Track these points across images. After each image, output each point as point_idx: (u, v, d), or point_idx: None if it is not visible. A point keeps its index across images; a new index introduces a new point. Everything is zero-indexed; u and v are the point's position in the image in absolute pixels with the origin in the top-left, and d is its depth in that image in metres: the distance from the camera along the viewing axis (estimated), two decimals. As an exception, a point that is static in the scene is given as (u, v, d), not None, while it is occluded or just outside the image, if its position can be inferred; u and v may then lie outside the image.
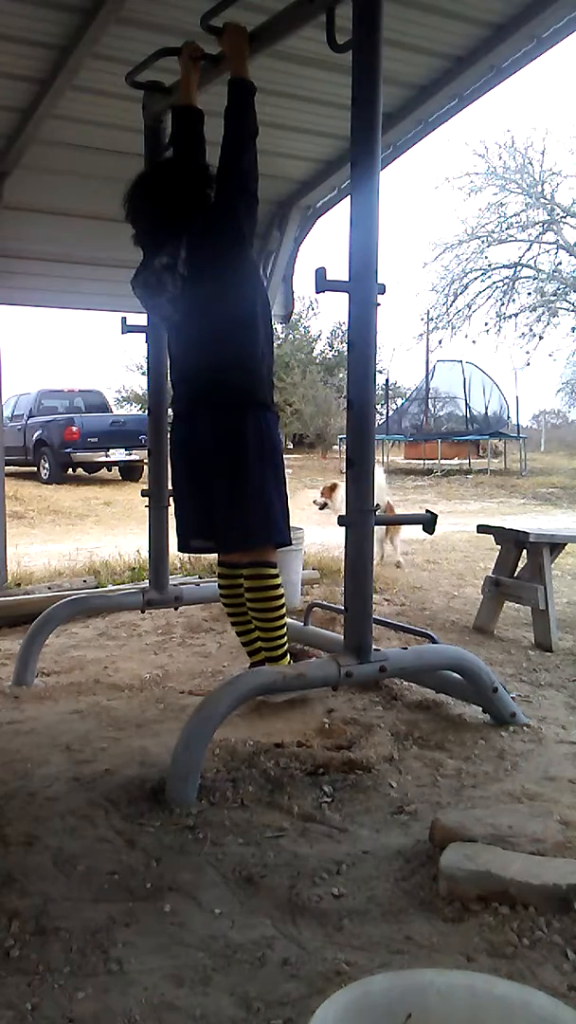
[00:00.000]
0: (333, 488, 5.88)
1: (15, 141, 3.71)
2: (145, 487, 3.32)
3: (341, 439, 15.70)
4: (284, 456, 2.70)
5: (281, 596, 2.55)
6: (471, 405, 16.66)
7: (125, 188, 2.47)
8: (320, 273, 2.14)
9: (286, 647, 2.60)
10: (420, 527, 2.33)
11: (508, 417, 16.95)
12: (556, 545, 3.76)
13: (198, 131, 2.67)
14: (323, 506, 5.98)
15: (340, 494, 5.55)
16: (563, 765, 2.28)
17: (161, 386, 3.27)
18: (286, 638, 2.59)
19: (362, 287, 2.16)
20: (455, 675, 2.58)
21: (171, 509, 2.99)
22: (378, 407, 2.52)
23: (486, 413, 16.64)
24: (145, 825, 1.91)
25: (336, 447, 17.88)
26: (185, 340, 2.52)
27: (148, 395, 3.44)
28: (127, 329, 3.21)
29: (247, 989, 1.37)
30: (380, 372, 19.13)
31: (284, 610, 2.57)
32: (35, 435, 13.27)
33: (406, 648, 2.54)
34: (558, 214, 17.31)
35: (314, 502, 5.97)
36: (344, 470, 2.28)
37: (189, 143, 2.64)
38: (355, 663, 2.23)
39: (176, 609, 3.61)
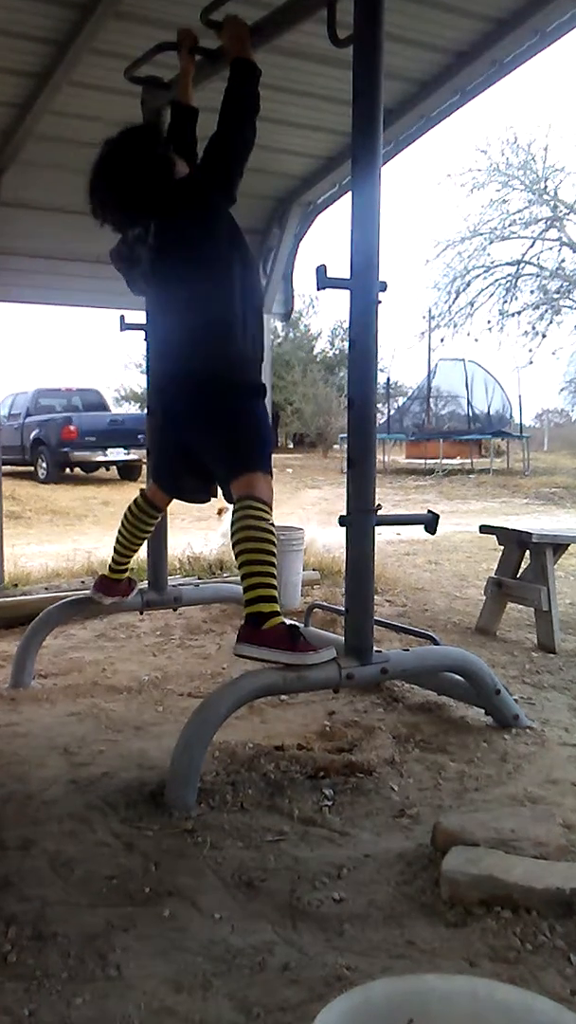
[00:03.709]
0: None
1: (12, 137, 3.70)
2: (144, 487, 3.30)
3: (342, 438, 15.73)
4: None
5: (271, 537, 2.26)
6: (473, 404, 16.66)
7: (87, 182, 2.41)
8: (321, 270, 2.12)
9: (276, 597, 2.29)
10: (422, 527, 2.32)
11: (511, 416, 16.96)
12: (559, 546, 3.74)
13: (188, 129, 2.67)
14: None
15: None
16: (566, 768, 2.26)
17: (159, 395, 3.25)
18: (276, 590, 2.33)
19: (363, 284, 2.14)
20: (457, 677, 2.57)
21: (169, 508, 2.97)
22: (379, 406, 2.49)
23: (488, 412, 16.64)
24: (144, 829, 1.90)
25: (337, 446, 17.88)
26: (158, 314, 2.52)
27: (147, 394, 3.42)
28: (125, 327, 3.20)
29: (247, 994, 1.35)
30: (381, 371, 19.04)
31: (274, 556, 2.26)
32: (32, 434, 13.26)
33: (408, 650, 2.52)
34: (561, 211, 17.30)
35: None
36: (345, 469, 2.26)
37: (178, 139, 2.64)
38: (356, 665, 2.21)
39: (175, 610, 3.60)
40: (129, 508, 2.87)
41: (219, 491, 2.56)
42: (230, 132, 2.34)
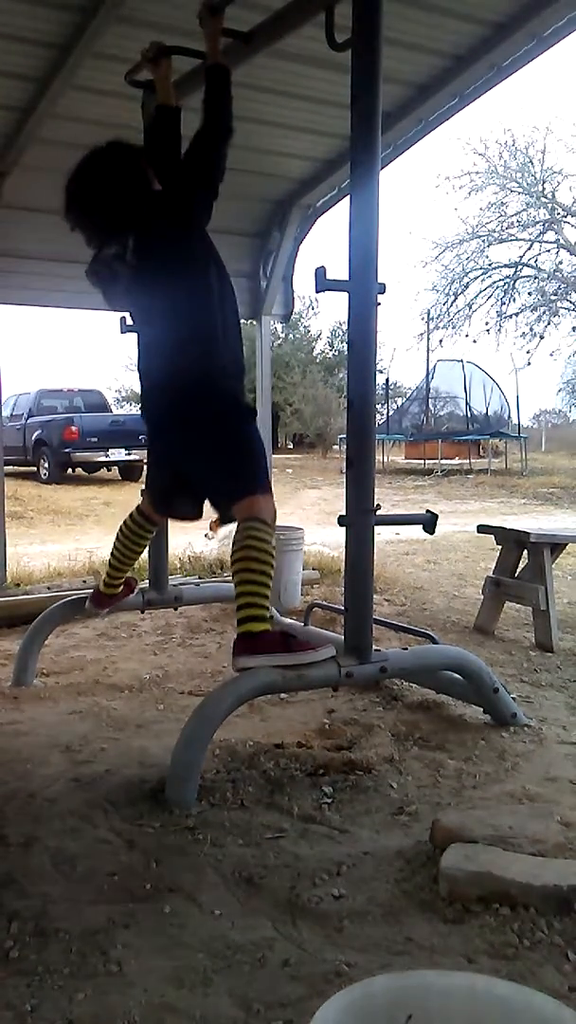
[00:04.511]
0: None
1: (14, 141, 3.71)
2: (144, 488, 3.31)
3: (341, 439, 15.73)
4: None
5: (270, 560, 2.26)
6: (472, 405, 16.66)
7: (64, 189, 2.40)
8: (320, 272, 2.13)
9: (266, 616, 2.33)
10: (421, 527, 2.33)
11: (509, 417, 16.95)
12: (557, 545, 3.76)
13: (169, 129, 2.67)
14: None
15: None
16: (564, 766, 2.27)
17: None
18: (267, 610, 2.36)
19: (362, 286, 2.16)
20: (456, 676, 2.58)
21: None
22: (378, 407, 2.50)
23: (487, 413, 16.64)
24: (145, 826, 1.91)
25: (336, 447, 17.88)
26: (142, 330, 2.52)
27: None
28: (126, 329, 3.20)
29: (247, 990, 1.36)
30: (380, 372, 19.11)
31: (269, 577, 2.27)
32: (34, 435, 13.26)
33: (407, 648, 2.54)
34: (559, 213, 17.32)
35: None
36: (344, 470, 2.27)
37: (158, 141, 2.65)
38: (355, 663, 2.22)
39: (176, 609, 3.61)
40: (125, 522, 2.87)
41: (208, 507, 2.55)
42: (213, 129, 2.35)
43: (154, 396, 2.50)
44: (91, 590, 3.08)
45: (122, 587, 3.01)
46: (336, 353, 23.47)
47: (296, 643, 2.18)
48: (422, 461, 16.23)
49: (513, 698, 2.65)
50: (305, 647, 2.18)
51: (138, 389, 2.91)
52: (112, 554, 2.91)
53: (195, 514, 2.69)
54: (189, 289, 2.34)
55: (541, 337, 17.88)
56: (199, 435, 2.37)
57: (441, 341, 19.14)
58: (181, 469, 2.53)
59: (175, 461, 2.54)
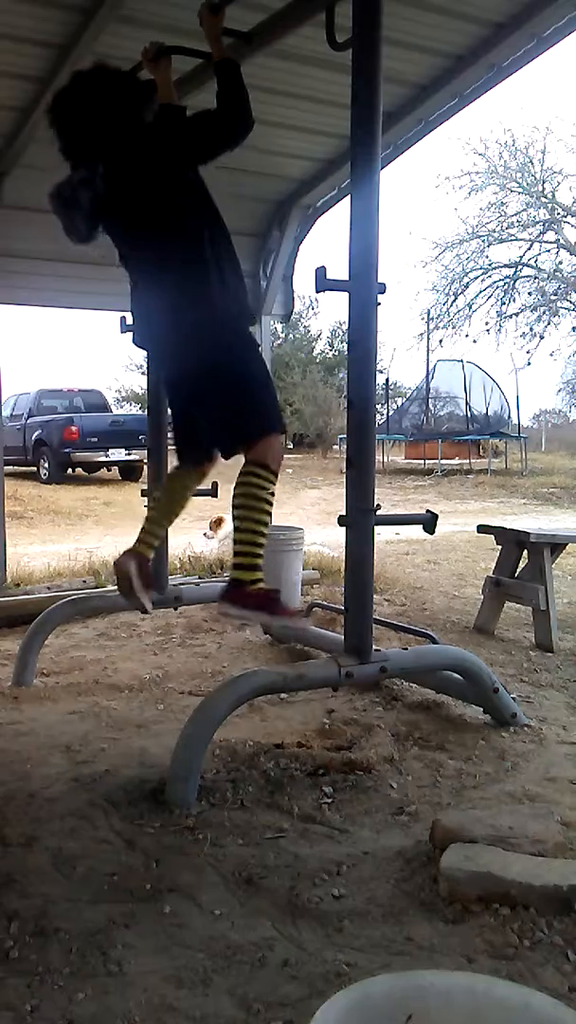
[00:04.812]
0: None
1: (15, 140, 3.71)
2: (145, 487, 3.31)
3: (341, 439, 15.72)
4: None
5: (268, 508, 2.30)
6: (472, 405, 16.64)
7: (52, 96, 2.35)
8: (320, 272, 2.13)
9: (260, 565, 2.34)
10: (421, 527, 2.33)
11: (509, 417, 16.94)
12: (557, 545, 3.76)
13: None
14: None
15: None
16: (564, 766, 2.27)
17: (160, 385, 3.27)
18: (261, 559, 2.36)
19: (362, 286, 2.16)
20: (456, 675, 2.58)
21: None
22: (378, 407, 2.49)
23: (487, 413, 16.62)
24: (145, 826, 1.91)
25: (336, 447, 17.87)
26: (128, 267, 2.46)
27: (147, 394, 3.44)
28: (126, 328, 3.21)
29: (247, 990, 1.36)
30: (380, 372, 19.09)
31: (266, 526, 2.31)
32: (34, 435, 13.26)
33: (407, 648, 2.54)
34: (559, 213, 17.31)
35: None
36: (344, 470, 2.27)
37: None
38: (355, 663, 2.22)
39: (176, 609, 3.61)
40: (168, 480, 2.80)
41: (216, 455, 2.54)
42: (224, 115, 2.26)
43: (150, 340, 2.48)
44: (92, 589, 3.07)
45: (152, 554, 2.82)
46: (336, 353, 23.45)
47: (279, 607, 2.25)
48: (422, 461, 16.23)
49: (513, 698, 2.65)
50: (285, 612, 2.26)
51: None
52: (152, 507, 2.82)
53: (204, 461, 2.66)
54: (173, 232, 2.27)
55: (541, 337, 17.89)
56: (200, 384, 2.33)
57: (441, 341, 19.16)
58: (190, 413, 2.49)
59: (183, 406, 2.51)
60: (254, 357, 2.37)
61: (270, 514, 2.30)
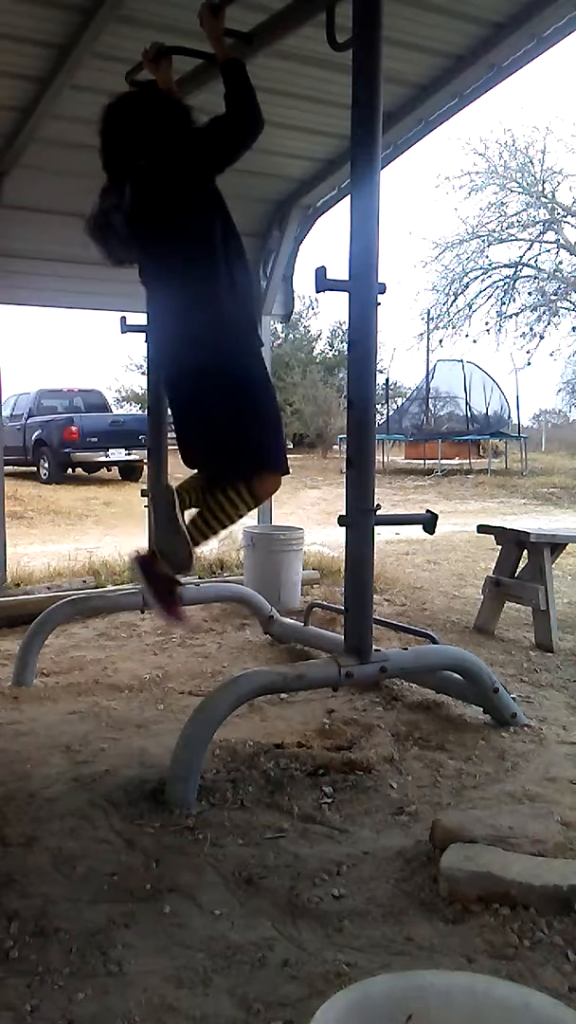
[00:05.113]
0: None
1: (14, 141, 3.71)
2: (145, 487, 3.31)
3: (341, 439, 15.71)
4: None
5: (232, 523, 2.45)
6: (472, 405, 16.64)
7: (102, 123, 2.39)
8: (320, 272, 2.13)
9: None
10: (421, 527, 2.33)
11: (509, 417, 16.94)
12: (557, 545, 3.76)
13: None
14: None
15: None
16: (564, 766, 2.27)
17: (160, 385, 3.27)
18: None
19: (362, 286, 2.16)
20: (456, 675, 2.58)
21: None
22: (378, 407, 2.49)
23: (487, 413, 16.62)
24: (145, 826, 1.91)
25: (336, 447, 17.87)
26: (149, 289, 2.51)
27: (147, 394, 3.44)
28: (126, 328, 3.21)
29: (247, 990, 1.36)
30: (380, 372, 19.07)
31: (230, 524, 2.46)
32: (34, 435, 13.25)
33: (407, 648, 2.54)
34: (559, 213, 17.31)
35: None
36: (344, 470, 2.27)
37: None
38: (355, 663, 2.22)
39: (176, 609, 3.60)
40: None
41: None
42: (233, 117, 2.28)
43: (162, 358, 2.51)
44: (92, 589, 3.08)
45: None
46: (336, 353, 23.45)
47: (174, 604, 2.45)
48: (422, 461, 16.23)
49: (513, 698, 2.65)
50: (173, 608, 2.47)
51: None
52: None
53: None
54: (188, 235, 2.30)
55: (541, 337, 17.88)
56: (206, 410, 2.35)
57: (441, 341, 19.14)
58: (190, 441, 2.50)
59: (184, 423, 2.52)
60: (255, 397, 2.36)
61: (226, 527, 2.44)
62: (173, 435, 2.85)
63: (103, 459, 13.00)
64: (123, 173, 2.37)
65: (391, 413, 18.47)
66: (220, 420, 2.34)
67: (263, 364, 2.45)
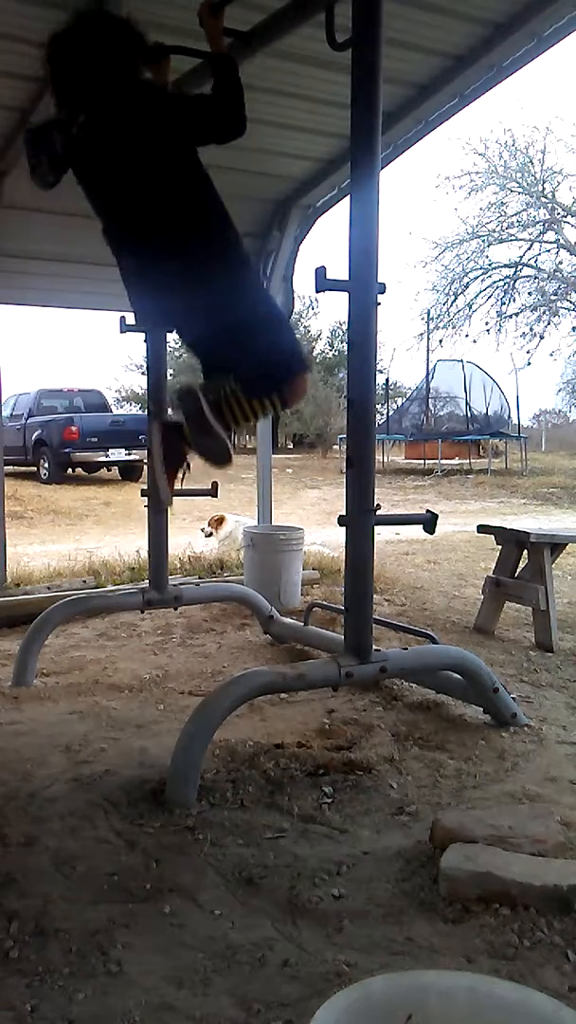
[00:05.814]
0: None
1: (14, 141, 3.71)
2: (144, 487, 3.31)
3: (341, 439, 15.71)
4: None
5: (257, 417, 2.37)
6: (472, 405, 16.65)
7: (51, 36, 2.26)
8: (320, 272, 2.13)
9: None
10: (421, 527, 2.33)
11: (509, 417, 16.96)
12: (557, 545, 3.76)
13: None
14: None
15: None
16: (564, 766, 2.27)
17: (161, 385, 3.27)
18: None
19: (362, 286, 2.16)
20: (456, 675, 2.58)
21: (170, 509, 2.98)
22: (378, 407, 2.49)
23: (487, 413, 16.63)
24: (145, 826, 1.91)
25: (336, 447, 17.87)
26: (106, 224, 2.41)
27: (147, 395, 3.44)
28: (125, 328, 3.21)
29: (247, 990, 1.36)
30: (380, 371, 19.11)
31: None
32: (34, 435, 13.26)
33: (407, 648, 2.54)
34: (559, 213, 17.31)
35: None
36: (344, 470, 2.27)
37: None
38: (355, 663, 2.22)
39: (176, 609, 3.61)
40: None
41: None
42: (223, 101, 2.20)
43: (154, 314, 2.44)
44: (92, 589, 3.07)
45: None
46: (336, 353, 23.46)
47: (169, 464, 2.35)
48: (422, 461, 16.23)
49: (513, 698, 2.65)
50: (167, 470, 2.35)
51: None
52: None
53: None
54: (162, 197, 2.21)
55: (541, 337, 17.88)
56: (222, 340, 2.26)
57: (441, 341, 19.14)
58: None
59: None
60: (264, 299, 2.32)
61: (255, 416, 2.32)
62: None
63: (103, 459, 13.01)
64: (82, 99, 2.24)
65: (391, 413, 18.48)
66: (252, 346, 2.24)
67: (259, 279, 2.39)
